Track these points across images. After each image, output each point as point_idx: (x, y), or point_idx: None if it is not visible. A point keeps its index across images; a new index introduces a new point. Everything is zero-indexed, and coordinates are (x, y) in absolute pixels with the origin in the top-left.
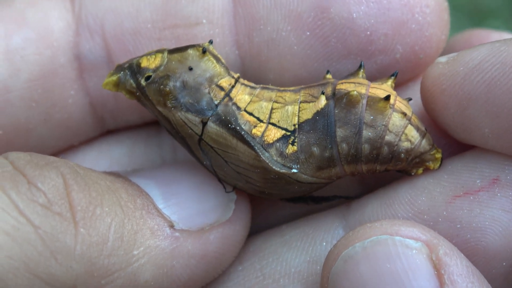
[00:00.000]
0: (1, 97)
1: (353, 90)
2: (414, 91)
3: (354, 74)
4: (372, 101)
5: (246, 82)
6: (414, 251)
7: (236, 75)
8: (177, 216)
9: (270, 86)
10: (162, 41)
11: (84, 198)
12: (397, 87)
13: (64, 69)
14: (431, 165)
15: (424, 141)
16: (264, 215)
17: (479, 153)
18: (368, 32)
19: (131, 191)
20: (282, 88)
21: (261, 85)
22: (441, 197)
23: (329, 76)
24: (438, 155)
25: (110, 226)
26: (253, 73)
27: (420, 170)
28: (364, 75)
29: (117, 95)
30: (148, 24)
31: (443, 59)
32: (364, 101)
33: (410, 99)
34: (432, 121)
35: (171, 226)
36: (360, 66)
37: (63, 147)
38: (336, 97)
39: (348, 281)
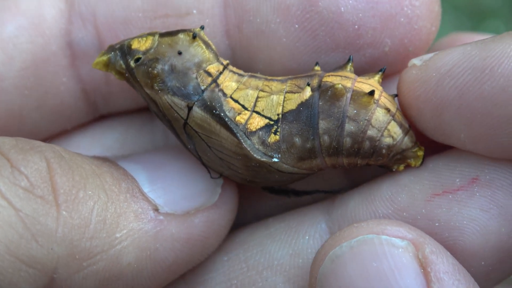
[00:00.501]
0: None
1: (338, 84)
2: None
3: (342, 67)
4: (357, 95)
5: (235, 69)
6: (400, 250)
7: (225, 62)
8: (163, 199)
9: (258, 75)
10: (153, 30)
11: (67, 182)
12: (386, 79)
13: (56, 57)
14: (412, 162)
15: (406, 138)
16: (252, 208)
17: (460, 152)
18: (356, 26)
19: (117, 175)
20: (269, 77)
21: (250, 73)
22: (421, 195)
23: (317, 68)
24: (420, 153)
25: (92, 209)
26: (242, 63)
27: (402, 167)
28: (352, 68)
29: (109, 81)
30: (139, 13)
31: (416, 61)
32: (349, 95)
33: (396, 95)
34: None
35: (156, 209)
36: (349, 60)
37: (56, 132)
38: (321, 89)
39: (336, 280)
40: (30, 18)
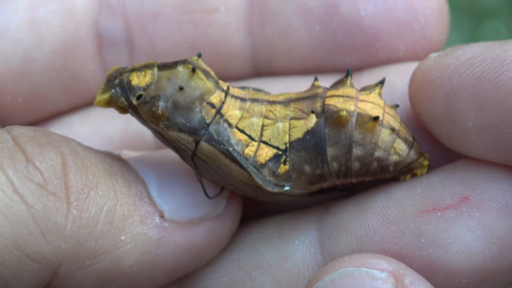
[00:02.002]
0: (24, 65)
1: (342, 110)
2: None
3: (342, 82)
4: (362, 120)
5: (235, 92)
6: (380, 281)
7: (225, 86)
8: (169, 206)
9: (260, 96)
10: (181, 24)
11: (80, 180)
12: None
13: (85, 44)
14: (418, 171)
15: (412, 151)
16: (252, 207)
17: (455, 169)
18: (374, 30)
19: (128, 176)
20: (271, 99)
21: (250, 95)
22: (411, 210)
23: (317, 83)
24: (425, 162)
25: (102, 210)
26: (264, 61)
27: (408, 176)
28: (352, 82)
29: None
30: (168, 7)
31: (435, 54)
32: (354, 119)
33: (397, 106)
34: (419, 124)
35: (161, 215)
36: (347, 74)
37: (77, 115)
38: (326, 116)
39: None
40: (62, 5)
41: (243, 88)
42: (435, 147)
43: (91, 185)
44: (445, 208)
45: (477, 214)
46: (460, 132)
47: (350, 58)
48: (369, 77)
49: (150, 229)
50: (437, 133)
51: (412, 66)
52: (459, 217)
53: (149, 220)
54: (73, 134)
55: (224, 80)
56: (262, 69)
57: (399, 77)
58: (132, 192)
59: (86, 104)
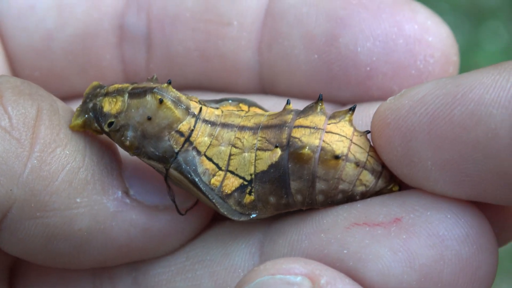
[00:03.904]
0: (44, 43)
1: (305, 147)
2: None
3: (312, 108)
4: (324, 156)
5: (207, 116)
6: (295, 286)
7: (197, 109)
8: (138, 188)
9: (231, 120)
10: (195, 31)
11: (50, 135)
12: None
13: (106, 34)
14: None
15: (380, 180)
16: None
17: (403, 192)
18: (368, 68)
19: (105, 150)
20: (242, 123)
21: (222, 118)
22: (343, 222)
23: (289, 107)
24: (395, 188)
25: (64, 167)
26: (267, 81)
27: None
28: (323, 108)
29: (150, 70)
30: (187, 12)
31: (392, 97)
32: (317, 156)
33: (368, 132)
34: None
35: (125, 192)
36: (318, 99)
37: None
38: (290, 152)
39: None
40: None
41: (221, 101)
42: None
43: (60, 143)
44: (375, 224)
45: (404, 236)
46: (421, 172)
47: (344, 92)
48: (360, 111)
49: (110, 200)
50: (399, 175)
51: None
52: (385, 236)
53: (110, 192)
54: None
55: (229, 92)
56: (267, 88)
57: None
58: (102, 163)
59: None
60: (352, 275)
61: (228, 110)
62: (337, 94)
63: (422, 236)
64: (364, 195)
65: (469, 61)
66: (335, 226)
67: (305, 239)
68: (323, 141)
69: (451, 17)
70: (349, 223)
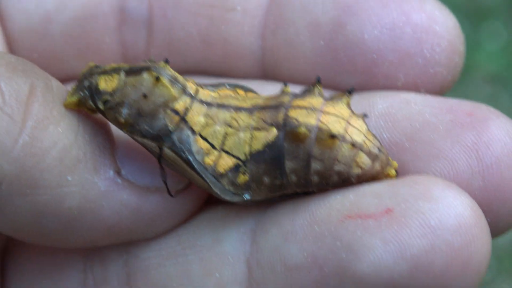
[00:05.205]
0: (43, 25)
1: (302, 126)
2: None
3: (310, 90)
4: (321, 136)
5: (203, 96)
6: None
7: (193, 90)
8: (129, 168)
9: (228, 101)
10: (197, 16)
11: (43, 112)
12: None
13: (105, 17)
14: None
15: (376, 163)
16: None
17: (396, 182)
18: (375, 55)
19: (98, 129)
20: (239, 104)
21: (218, 99)
22: (337, 214)
23: (286, 89)
24: (392, 172)
25: (56, 145)
26: (270, 67)
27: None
28: (321, 90)
29: (150, 54)
30: None
31: None
32: (313, 135)
33: (366, 116)
34: (397, 133)
35: (117, 171)
36: (316, 82)
37: None
38: (286, 131)
39: None
40: None
41: (218, 85)
42: (410, 157)
43: (53, 120)
44: (367, 216)
45: (395, 227)
46: None
47: (349, 79)
48: (361, 100)
49: (101, 180)
50: None
51: (408, 97)
52: (377, 228)
53: (102, 171)
54: None
55: (230, 78)
56: (269, 74)
57: (382, 99)
58: (94, 142)
59: None
60: (343, 268)
61: (224, 93)
62: (342, 81)
63: (413, 227)
64: (360, 179)
65: (469, 60)
66: (328, 218)
67: (299, 231)
68: (320, 121)
69: None
70: (342, 215)
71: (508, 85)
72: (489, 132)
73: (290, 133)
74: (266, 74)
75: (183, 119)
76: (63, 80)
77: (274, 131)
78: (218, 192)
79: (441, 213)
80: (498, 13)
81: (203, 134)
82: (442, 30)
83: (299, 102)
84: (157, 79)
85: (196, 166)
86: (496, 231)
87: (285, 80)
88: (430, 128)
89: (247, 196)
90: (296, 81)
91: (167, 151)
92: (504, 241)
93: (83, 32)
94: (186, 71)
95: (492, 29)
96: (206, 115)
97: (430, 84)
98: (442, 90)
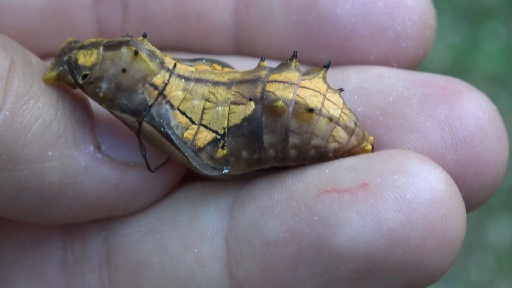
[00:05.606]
0: (21, 2)
1: (279, 100)
2: None
3: (287, 65)
4: (298, 109)
5: (181, 71)
6: None
7: (171, 64)
8: (109, 143)
9: (205, 76)
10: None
11: (23, 87)
12: None
13: None
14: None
15: (352, 138)
16: None
17: (371, 156)
18: (347, 30)
19: (78, 104)
20: (216, 79)
21: (196, 74)
22: (313, 189)
23: (263, 63)
24: (368, 147)
25: (36, 120)
26: (244, 42)
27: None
28: (297, 65)
29: (126, 29)
30: None
31: None
32: (290, 109)
33: (342, 90)
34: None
35: (97, 147)
36: (293, 56)
37: None
38: (264, 104)
39: None
40: None
41: (195, 60)
42: (386, 132)
43: (33, 95)
44: (343, 190)
45: (371, 201)
46: None
47: (322, 54)
48: (335, 74)
49: (81, 155)
50: None
51: (381, 71)
52: (353, 201)
53: (82, 146)
54: None
55: (205, 54)
56: (244, 49)
57: (356, 74)
58: (74, 117)
59: None
60: (321, 242)
61: (202, 68)
62: (315, 55)
63: (389, 200)
64: (337, 153)
65: (468, 61)
66: (305, 193)
67: (277, 206)
68: (297, 95)
69: (451, 17)
70: (319, 190)
71: (507, 85)
72: (461, 106)
73: (268, 107)
74: (241, 50)
75: (162, 94)
76: (41, 57)
77: (251, 105)
78: (197, 166)
79: (416, 187)
80: (498, 14)
81: (182, 108)
82: (413, 4)
83: (276, 76)
84: (136, 53)
85: (175, 140)
86: (470, 205)
87: (259, 55)
88: (403, 102)
89: (225, 170)
90: (270, 56)
91: (146, 125)
92: (503, 242)
93: (59, 9)
94: (162, 47)
95: (492, 30)
96: (185, 90)
97: (402, 58)
98: (414, 64)
